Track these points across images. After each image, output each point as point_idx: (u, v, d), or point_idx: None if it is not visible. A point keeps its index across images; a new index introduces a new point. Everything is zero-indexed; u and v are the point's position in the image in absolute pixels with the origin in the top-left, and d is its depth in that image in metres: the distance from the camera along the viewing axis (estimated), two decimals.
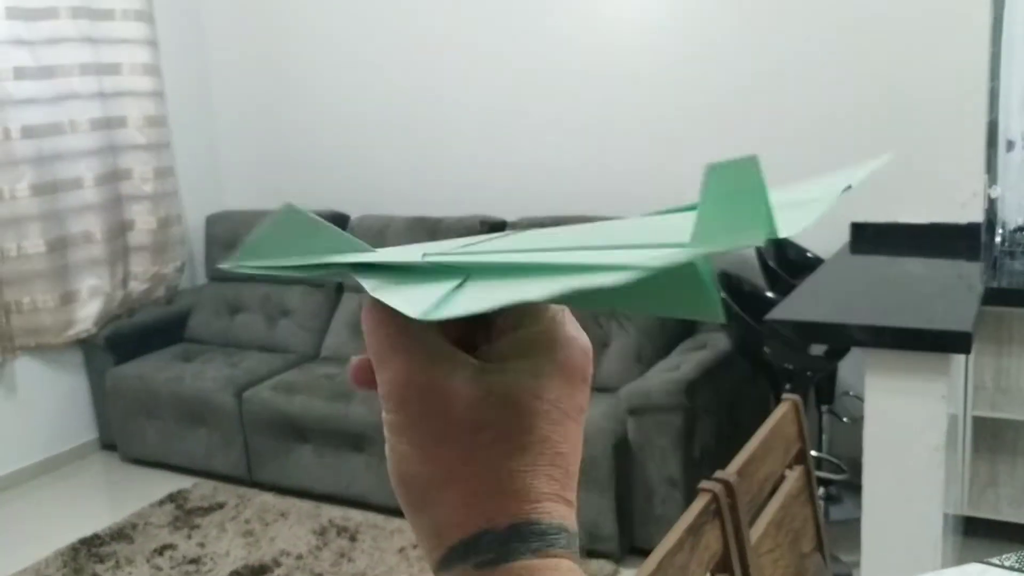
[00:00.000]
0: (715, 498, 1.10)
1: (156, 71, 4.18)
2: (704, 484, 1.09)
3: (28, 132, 3.69)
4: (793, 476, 1.34)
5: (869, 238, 3.30)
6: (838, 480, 3.03)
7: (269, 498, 3.51)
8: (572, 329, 0.44)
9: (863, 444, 2.25)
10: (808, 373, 2.73)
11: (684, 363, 3.02)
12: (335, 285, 4.02)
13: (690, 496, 2.85)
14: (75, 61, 3.83)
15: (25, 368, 3.86)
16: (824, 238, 3.35)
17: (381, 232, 3.89)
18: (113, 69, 4.01)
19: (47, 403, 3.95)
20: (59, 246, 3.82)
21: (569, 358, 0.42)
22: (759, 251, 3.19)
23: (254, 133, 4.55)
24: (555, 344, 0.42)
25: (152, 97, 4.16)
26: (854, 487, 3.02)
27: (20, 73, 3.66)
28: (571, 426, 0.42)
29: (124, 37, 4.04)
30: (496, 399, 0.40)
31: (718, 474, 1.12)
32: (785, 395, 1.37)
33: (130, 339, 4.01)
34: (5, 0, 3.59)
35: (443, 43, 3.97)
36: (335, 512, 3.37)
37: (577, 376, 0.43)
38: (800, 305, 2.42)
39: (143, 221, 4.17)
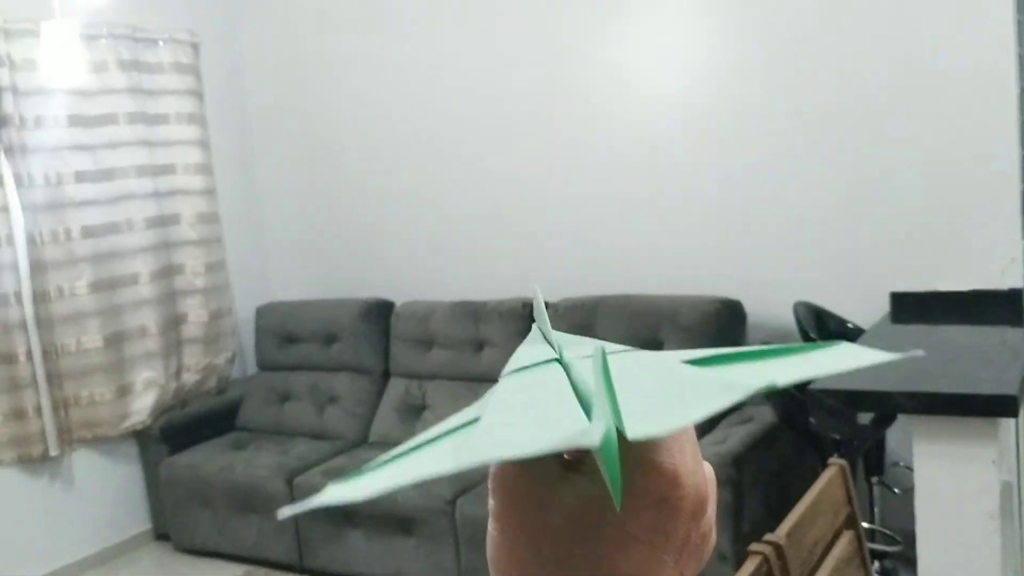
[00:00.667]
0: (766, 560, 1.12)
1: (208, 170, 4.37)
2: (754, 547, 1.12)
3: (87, 232, 3.86)
4: (844, 541, 1.35)
5: (909, 307, 3.31)
6: (893, 552, 2.98)
7: None
8: (665, 455, 0.42)
9: (916, 514, 2.24)
10: (855, 442, 2.72)
11: (730, 436, 3.03)
12: (381, 371, 4.10)
13: None
14: (132, 163, 4.02)
15: (82, 460, 3.95)
16: (864, 308, 3.37)
17: (426, 318, 3.97)
18: (168, 169, 4.20)
19: (103, 494, 4.03)
20: (116, 340, 3.95)
21: (639, 482, 0.42)
22: (800, 323, 3.21)
23: (300, 226, 4.71)
24: (633, 465, 0.42)
25: (204, 195, 4.33)
26: (909, 560, 2.97)
27: (81, 176, 3.84)
28: (638, 549, 0.42)
29: (178, 139, 4.24)
30: (569, 510, 0.42)
31: (768, 537, 1.14)
32: (831, 460, 1.40)
33: (183, 429, 4.10)
34: (68, 109, 3.80)
35: (483, 132, 4.10)
36: None
37: (650, 500, 0.42)
38: (844, 375, 2.43)
39: (195, 314, 4.30)
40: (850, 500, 1.39)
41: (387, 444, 3.88)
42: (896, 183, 3.32)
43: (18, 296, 3.64)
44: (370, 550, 3.46)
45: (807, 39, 3.39)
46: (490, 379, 3.80)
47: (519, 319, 3.76)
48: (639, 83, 3.73)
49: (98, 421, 3.91)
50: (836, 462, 1.41)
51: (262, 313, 4.45)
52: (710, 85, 3.59)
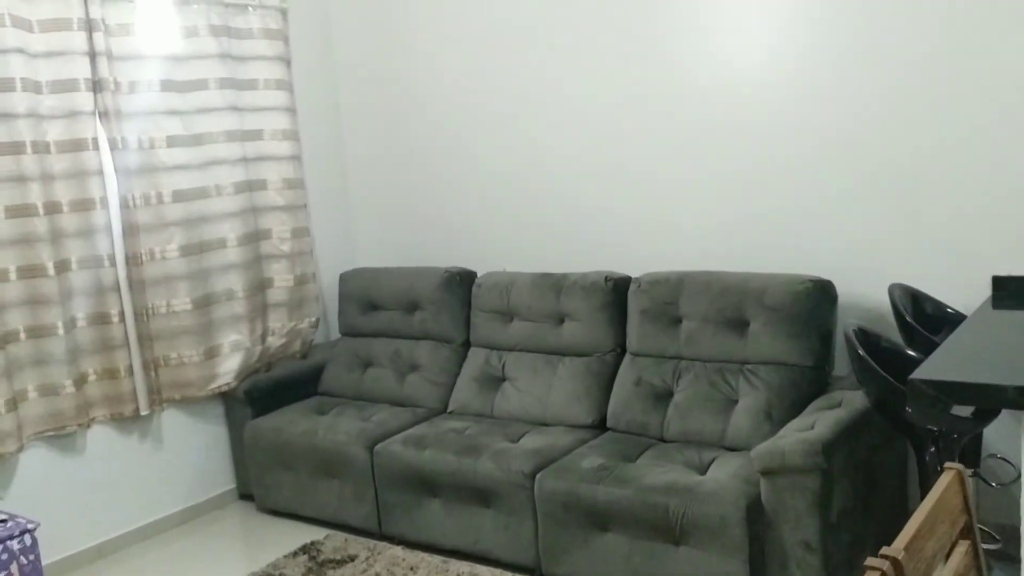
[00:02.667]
0: None
1: (295, 136, 4.40)
2: (871, 562, 1.07)
3: (178, 196, 3.93)
4: (960, 551, 1.29)
5: (1012, 292, 3.17)
6: (991, 549, 2.88)
7: (399, 551, 3.57)
8: None
9: (1021, 510, 2.15)
10: (954, 435, 2.62)
11: (819, 422, 2.95)
12: (462, 340, 4.10)
13: (827, 562, 2.77)
14: (221, 128, 4.07)
15: (170, 419, 4.06)
16: (964, 292, 3.24)
17: (507, 288, 3.95)
18: (255, 135, 4.24)
19: (190, 454, 4.13)
20: (204, 303, 4.03)
21: None
22: (895, 306, 3.10)
23: (384, 193, 4.72)
24: None
25: (291, 161, 4.37)
26: (1008, 556, 2.87)
27: (172, 141, 3.90)
28: None
29: (266, 105, 4.27)
30: None
31: (885, 551, 1.09)
32: (948, 464, 1.33)
33: (267, 392, 4.17)
34: (160, 74, 3.85)
35: (567, 102, 4.04)
36: (463, 567, 3.40)
37: None
38: (946, 364, 2.34)
39: (281, 279, 4.36)
40: (967, 508, 1.33)
41: (466, 414, 3.89)
42: (999, 160, 3.16)
43: (111, 258, 3.73)
44: (448, 520, 3.49)
45: (908, 23, 3.23)
46: (571, 352, 3.79)
47: (601, 293, 3.71)
48: (726, 53, 3.62)
49: (186, 382, 4.00)
50: (953, 467, 1.34)
51: (346, 279, 4.49)
52: (801, 56, 3.46)
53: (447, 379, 4.06)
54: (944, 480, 1.31)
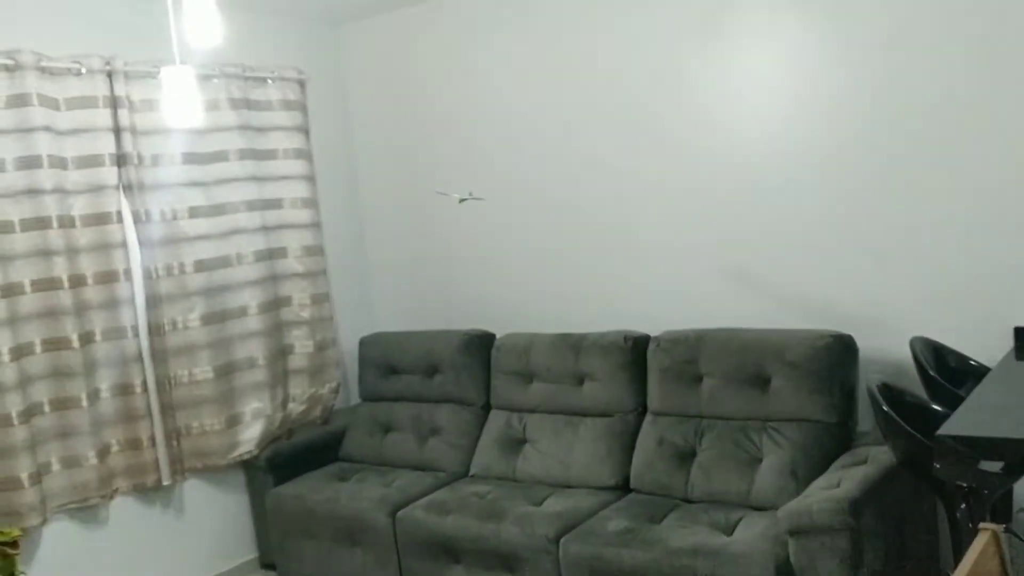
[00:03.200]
0: None
1: (314, 204, 4.46)
2: None
3: (200, 266, 3.97)
4: None
5: None
6: None
7: None
8: None
9: None
10: (985, 491, 2.58)
11: (845, 479, 2.92)
12: (482, 403, 4.10)
13: None
14: (242, 198, 4.14)
15: (192, 489, 4.05)
16: (986, 344, 3.23)
17: (526, 350, 3.96)
18: (275, 204, 4.31)
19: (212, 523, 4.12)
20: (226, 371, 4.05)
21: None
22: (918, 359, 3.09)
23: (402, 258, 4.76)
24: None
25: (310, 228, 4.42)
26: None
27: (194, 212, 3.97)
28: None
29: (285, 174, 4.34)
30: None
31: None
32: (983, 525, 1.32)
33: (289, 459, 4.16)
34: (182, 147, 3.93)
35: (581, 162, 4.09)
36: None
37: None
38: (973, 419, 2.32)
39: (301, 345, 4.38)
40: (1004, 571, 1.31)
41: (488, 477, 3.87)
42: (1019, 212, 3.17)
43: (135, 329, 3.77)
44: None
45: (916, 61, 3.27)
46: (592, 413, 3.77)
47: (621, 352, 3.71)
48: (737, 120, 3.66)
49: (208, 451, 4.01)
50: (988, 527, 1.33)
51: (365, 344, 4.51)
52: (815, 111, 3.50)
53: (468, 442, 4.05)
54: (980, 542, 1.29)
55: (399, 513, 3.64)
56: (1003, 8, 3.11)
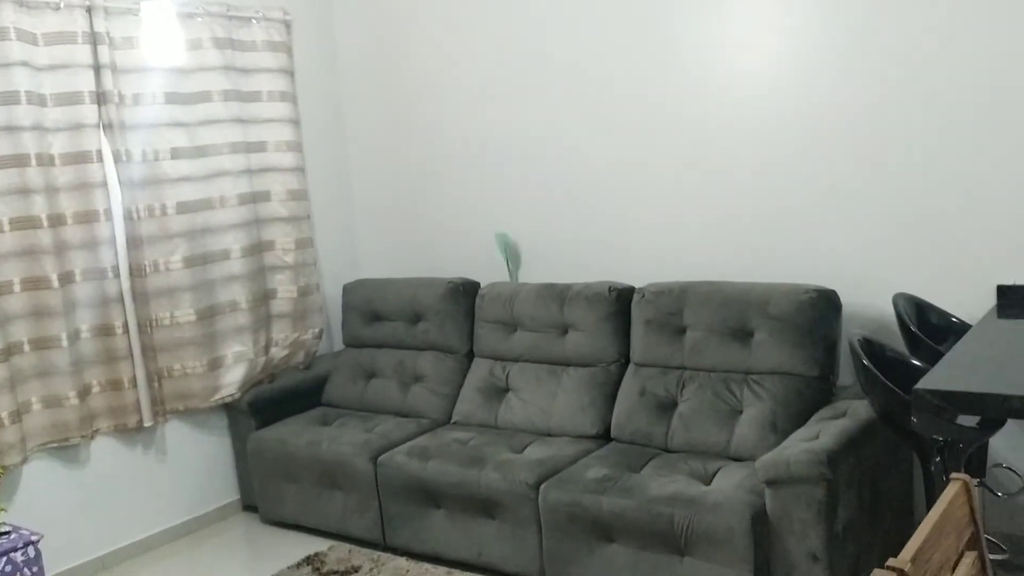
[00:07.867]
0: None
1: (298, 147, 4.41)
2: (878, 573, 1.06)
3: (182, 208, 3.93)
4: (967, 562, 1.29)
5: (1017, 301, 3.16)
6: (998, 560, 2.87)
7: (402, 563, 3.56)
8: None
9: None
10: (960, 445, 2.61)
11: (824, 432, 2.94)
12: (466, 351, 4.10)
13: (833, 573, 2.75)
14: (225, 140, 4.08)
15: (174, 431, 4.05)
16: (968, 302, 3.24)
17: (511, 299, 3.95)
18: (259, 147, 4.25)
19: (193, 465, 4.13)
20: (208, 314, 4.03)
21: None
22: (900, 316, 3.09)
23: (388, 205, 4.73)
24: None
25: (294, 172, 4.38)
26: (1015, 567, 2.86)
27: (176, 153, 3.91)
28: None
29: (270, 117, 4.28)
30: None
31: (891, 562, 1.09)
32: (954, 475, 1.32)
33: (271, 403, 4.17)
34: (164, 87, 3.86)
35: (571, 113, 4.05)
36: None
37: None
38: (952, 374, 2.33)
39: (284, 290, 4.36)
40: (974, 519, 1.32)
41: (470, 425, 3.89)
42: (1004, 171, 3.16)
43: (115, 270, 3.74)
44: (452, 531, 3.48)
45: (909, 26, 3.24)
46: (575, 363, 3.78)
47: (605, 303, 3.71)
48: (727, 64, 3.62)
49: (190, 393, 4.00)
50: (959, 477, 1.34)
51: (349, 290, 4.49)
52: (804, 65, 3.46)
53: (451, 390, 4.06)
54: (950, 491, 1.30)
55: (380, 458, 3.66)
56: None
